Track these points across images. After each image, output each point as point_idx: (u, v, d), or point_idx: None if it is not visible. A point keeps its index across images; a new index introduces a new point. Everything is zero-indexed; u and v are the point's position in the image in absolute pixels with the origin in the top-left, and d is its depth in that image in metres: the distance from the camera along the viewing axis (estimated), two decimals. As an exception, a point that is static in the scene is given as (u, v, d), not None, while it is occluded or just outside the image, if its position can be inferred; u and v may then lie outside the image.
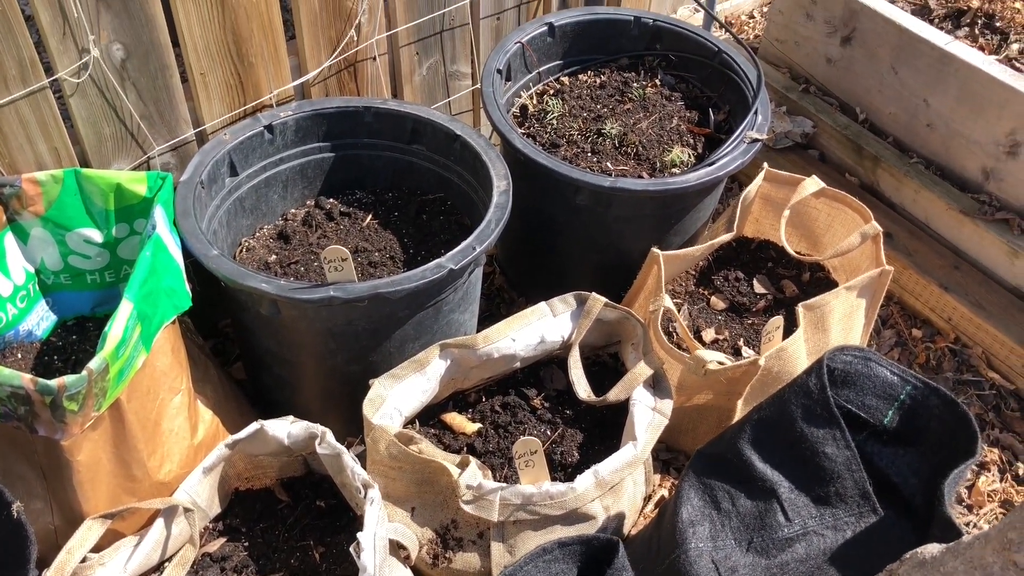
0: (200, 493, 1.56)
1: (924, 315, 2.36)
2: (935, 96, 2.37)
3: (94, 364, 1.34)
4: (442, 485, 1.59)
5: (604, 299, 1.78)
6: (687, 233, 2.17)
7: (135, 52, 1.71)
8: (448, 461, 1.54)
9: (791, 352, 1.83)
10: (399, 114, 2.00)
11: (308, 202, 2.08)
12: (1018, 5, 2.47)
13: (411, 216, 2.04)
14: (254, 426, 1.55)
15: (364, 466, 1.57)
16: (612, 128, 2.16)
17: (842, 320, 1.95)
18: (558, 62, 2.35)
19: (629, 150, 2.14)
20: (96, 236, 1.73)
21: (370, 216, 2.03)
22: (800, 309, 1.85)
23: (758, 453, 1.53)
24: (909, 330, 2.35)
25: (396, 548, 1.53)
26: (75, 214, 1.70)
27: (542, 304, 1.78)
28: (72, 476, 1.45)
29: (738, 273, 2.18)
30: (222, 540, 1.60)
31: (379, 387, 1.62)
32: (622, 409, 1.71)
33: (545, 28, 2.27)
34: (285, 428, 1.56)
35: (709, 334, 2.03)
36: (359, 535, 1.37)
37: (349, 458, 1.50)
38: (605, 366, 1.91)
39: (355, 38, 2.05)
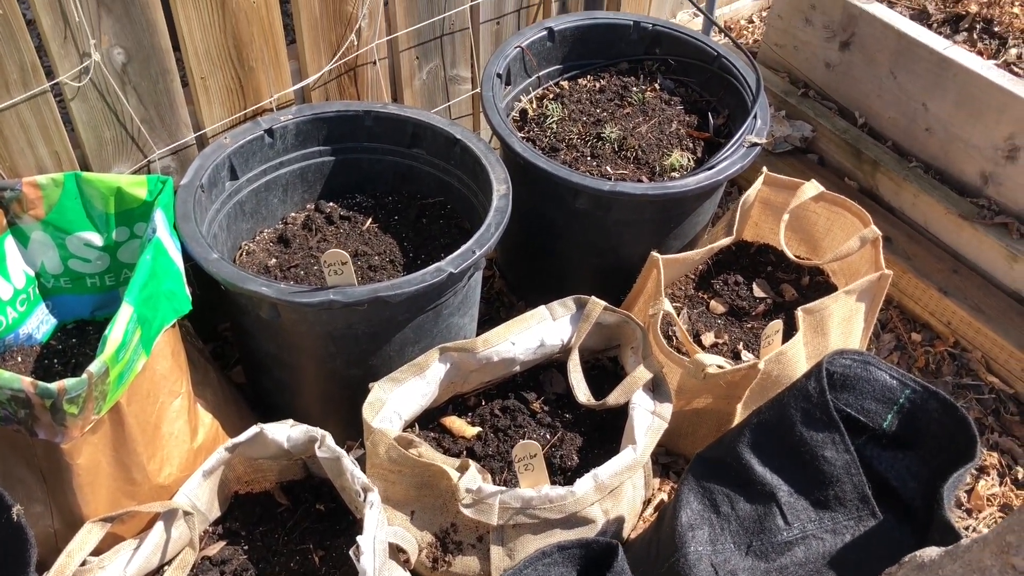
0: (200, 496, 1.56)
1: (923, 319, 2.36)
2: (934, 100, 2.37)
3: (94, 367, 1.34)
4: (442, 489, 1.59)
5: (604, 303, 1.78)
6: (686, 237, 2.17)
7: (136, 56, 1.72)
8: (448, 465, 1.54)
9: (790, 356, 1.83)
10: (399, 118, 2.01)
11: (308, 206, 2.08)
12: (1016, 10, 2.47)
13: (411, 220, 2.04)
14: (254, 429, 1.56)
15: (364, 470, 1.57)
16: (612, 132, 2.17)
17: (841, 324, 1.95)
18: (558, 66, 2.36)
19: (629, 154, 2.14)
20: (96, 240, 1.74)
21: (370, 220, 2.03)
22: (799, 313, 1.85)
23: (757, 457, 1.53)
24: (908, 334, 2.35)
25: (396, 551, 1.53)
26: (75, 218, 1.70)
27: (542, 308, 1.78)
28: (72, 479, 1.45)
29: (737, 277, 2.18)
30: (222, 543, 1.60)
31: (379, 391, 1.62)
32: (622, 413, 1.71)
33: (545, 33, 2.28)
34: (285, 432, 1.57)
35: (708, 338, 2.04)
36: (359, 538, 1.37)
37: (349, 462, 1.50)
38: (605, 370, 1.91)
39: (355, 42, 2.06)
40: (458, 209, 2.06)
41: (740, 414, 1.86)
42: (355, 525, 1.61)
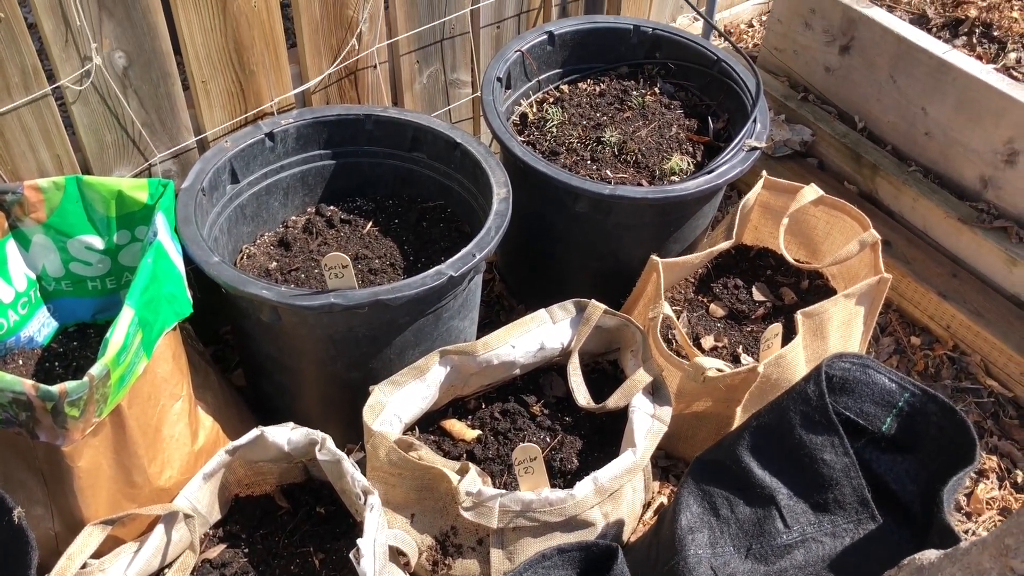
0: (200, 499, 1.56)
1: (923, 323, 2.36)
2: (933, 105, 2.38)
3: (95, 370, 1.34)
4: (442, 492, 1.59)
5: (603, 306, 1.78)
6: (686, 241, 2.17)
7: (137, 60, 1.72)
8: (448, 468, 1.54)
9: (790, 359, 1.83)
10: (399, 122, 2.01)
11: (309, 209, 2.09)
12: (1015, 14, 2.48)
13: (411, 223, 2.04)
14: (254, 432, 1.56)
15: (364, 472, 1.57)
16: (611, 136, 2.17)
17: (841, 327, 1.96)
18: (558, 70, 2.37)
19: (628, 158, 2.14)
20: (97, 243, 1.74)
21: (370, 223, 2.04)
22: (799, 316, 1.86)
23: (757, 460, 1.53)
24: (908, 337, 2.36)
25: (396, 554, 1.54)
26: (77, 221, 1.70)
27: (541, 311, 1.79)
28: (73, 482, 1.45)
29: (737, 280, 2.18)
30: (222, 546, 1.60)
31: (379, 394, 1.62)
32: (621, 416, 1.71)
33: (545, 37, 2.28)
34: (285, 434, 1.57)
35: (708, 341, 2.04)
36: (359, 541, 1.37)
37: (349, 464, 1.50)
38: (604, 373, 1.92)
39: (356, 46, 2.06)
40: (458, 213, 2.07)
41: (739, 417, 1.87)
42: (355, 528, 1.61)
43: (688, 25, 3.04)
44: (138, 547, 1.46)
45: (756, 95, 2.15)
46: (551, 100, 2.33)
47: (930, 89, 2.37)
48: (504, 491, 1.53)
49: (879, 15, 2.47)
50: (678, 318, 2.07)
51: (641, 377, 1.71)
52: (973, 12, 2.50)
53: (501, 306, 2.41)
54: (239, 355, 2.14)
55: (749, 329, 2.09)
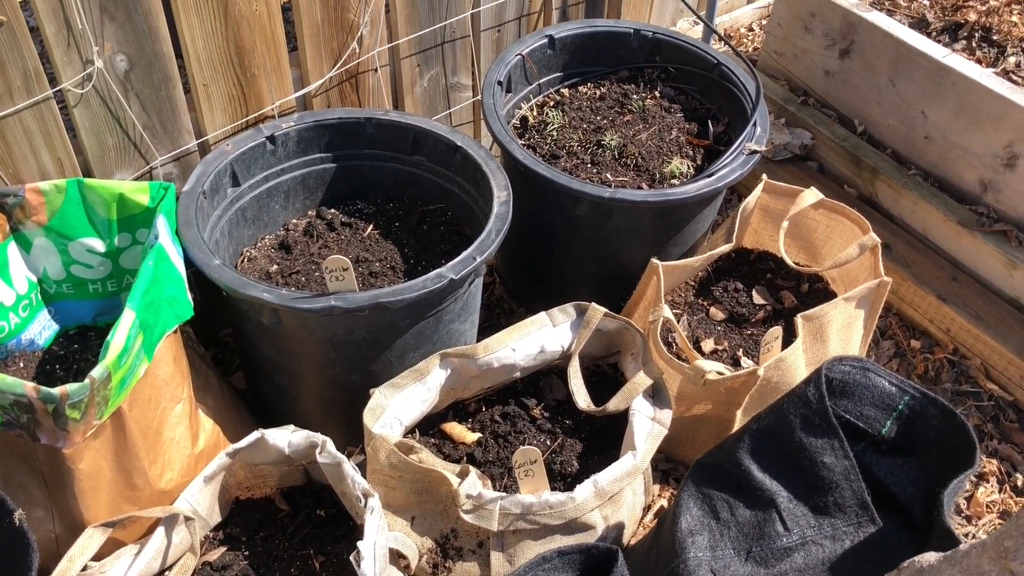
0: (201, 502, 1.56)
1: (923, 326, 2.36)
2: (933, 108, 2.38)
3: (96, 372, 1.34)
4: (442, 494, 1.59)
5: (604, 309, 1.78)
6: (686, 244, 2.18)
7: (138, 63, 1.73)
8: (448, 470, 1.54)
9: (790, 362, 1.84)
10: (400, 125, 2.01)
11: (310, 212, 2.09)
12: (1015, 19, 2.49)
13: (412, 226, 2.05)
14: (255, 435, 1.56)
15: (364, 475, 1.57)
16: (612, 139, 2.17)
17: (841, 331, 1.96)
18: (558, 74, 2.37)
19: (629, 161, 2.15)
20: (98, 246, 1.74)
21: (371, 226, 2.04)
22: (799, 320, 1.86)
23: (757, 463, 1.53)
24: (908, 341, 2.36)
25: (396, 557, 1.54)
26: (78, 224, 1.71)
27: (542, 314, 1.79)
28: (74, 484, 1.45)
29: (737, 284, 2.19)
30: (222, 549, 1.61)
31: (379, 396, 1.63)
32: (621, 419, 1.71)
33: (545, 40, 2.29)
34: (286, 437, 1.57)
35: (708, 344, 2.04)
36: (359, 544, 1.37)
37: (349, 467, 1.50)
38: (605, 376, 1.92)
39: (357, 50, 2.07)
40: (459, 216, 2.07)
41: (740, 420, 1.87)
42: (355, 531, 1.61)
43: (688, 29, 3.05)
44: (139, 549, 1.46)
45: (756, 99, 2.15)
46: (551, 103, 2.33)
47: (930, 93, 2.37)
48: (504, 494, 1.53)
49: (879, 19, 2.48)
50: (678, 321, 2.07)
51: (641, 380, 1.71)
52: (973, 16, 2.51)
53: (501, 309, 2.41)
54: (239, 358, 2.14)
55: (749, 332, 2.09)
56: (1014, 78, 2.31)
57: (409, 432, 1.76)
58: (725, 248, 2.05)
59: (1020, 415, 2.20)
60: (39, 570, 1.34)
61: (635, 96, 2.33)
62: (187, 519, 1.50)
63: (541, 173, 1.93)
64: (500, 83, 2.15)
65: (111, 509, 1.52)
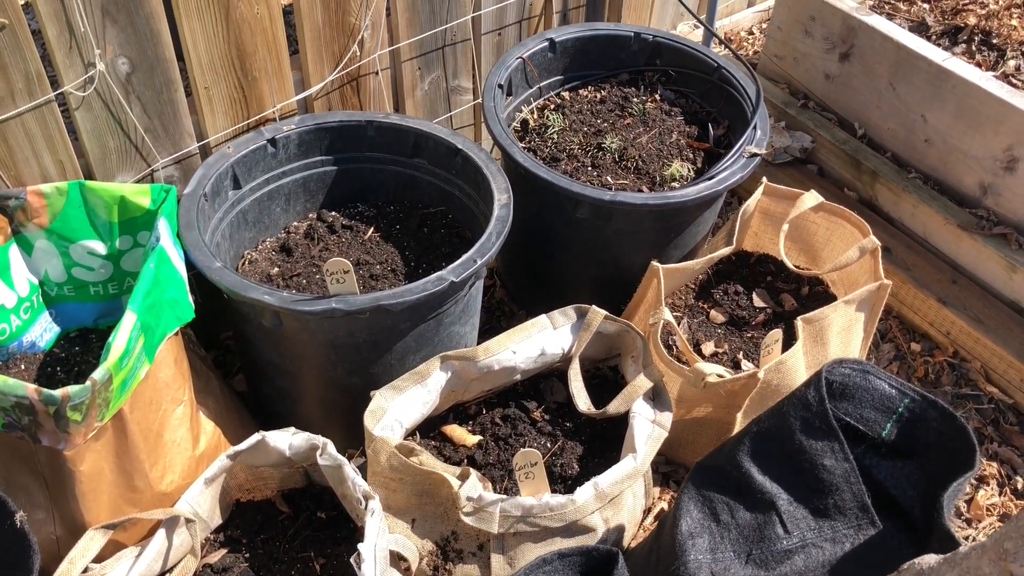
0: (201, 504, 1.56)
1: (923, 329, 2.37)
2: (933, 112, 2.38)
3: (98, 375, 1.34)
4: (442, 497, 1.59)
5: (604, 312, 1.79)
6: (687, 247, 2.18)
7: (140, 66, 1.73)
8: (448, 473, 1.54)
9: (790, 365, 1.84)
10: (401, 128, 2.02)
11: (310, 215, 2.09)
12: (1014, 22, 2.49)
13: (413, 229, 2.05)
14: (256, 437, 1.56)
15: (365, 477, 1.58)
16: (612, 142, 2.18)
17: (841, 334, 1.96)
18: (559, 77, 2.37)
19: (629, 164, 2.15)
20: (100, 248, 1.75)
21: (372, 229, 2.04)
22: (799, 322, 1.86)
23: (757, 465, 1.53)
24: (908, 344, 2.36)
25: (396, 560, 1.54)
26: (79, 226, 1.71)
27: (542, 317, 1.79)
28: (74, 486, 1.45)
29: (737, 287, 2.19)
30: (223, 551, 1.61)
31: (380, 399, 1.63)
32: (622, 422, 1.71)
33: (546, 43, 2.29)
34: (286, 439, 1.57)
35: (708, 347, 2.04)
36: (360, 546, 1.38)
37: (350, 469, 1.51)
38: (605, 379, 1.92)
39: (358, 53, 2.07)
40: (459, 218, 2.07)
41: (740, 423, 1.87)
42: (356, 533, 1.61)
43: (688, 32, 3.05)
44: (139, 551, 1.46)
45: (756, 102, 2.16)
46: (552, 107, 2.33)
47: (930, 96, 2.38)
48: (505, 496, 1.53)
49: (879, 23, 2.48)
50: (679, 324, 2.07)
51: (642, 383, 1.71)
52: (972, 20, 2.51)
53: (502, 312, 2.42)
54: (240, 360, 2.14)
55: (749, 335, 2.09)
56: (1014, 81, 2.32)
57: (410, 434, 1.76)
58: (725, 251, 2.05)
59: (1020, 418, 2.20)
60: (40, 572, 1.34)
61: (635, 99, 2.33)
62: (188, 521, 1.50)
63: (542, 176, 1.93)
64: (501, 86, 2.15)
65: (112, 511, 1.52)
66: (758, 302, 2.16)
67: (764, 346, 1.85)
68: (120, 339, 1.39)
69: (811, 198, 2.07)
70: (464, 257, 1.70)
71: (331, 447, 1.54)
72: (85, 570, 1.40)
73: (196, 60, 1.81)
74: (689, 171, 2.15)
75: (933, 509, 1.44)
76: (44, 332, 1.78)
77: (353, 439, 1.83)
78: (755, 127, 2.10)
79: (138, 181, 1.87)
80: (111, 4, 1.63)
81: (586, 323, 1.79)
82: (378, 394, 1.63)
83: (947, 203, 2.39)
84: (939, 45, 2.46)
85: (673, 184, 2.12)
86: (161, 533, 1.48)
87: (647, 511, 1.92)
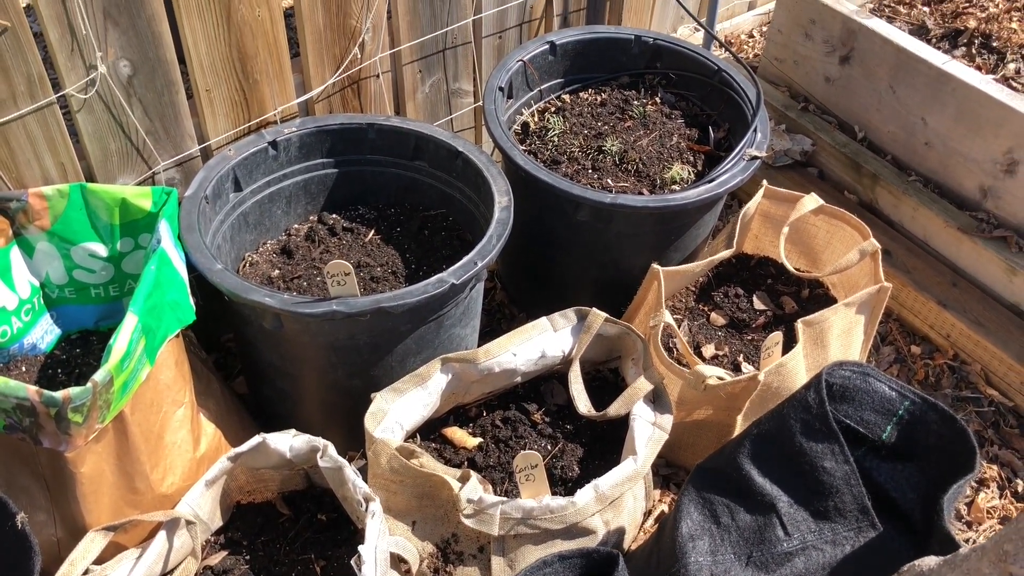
0: (202, 506, 1.56)
1: (923, 332, 2.37)
2: (933, 115, 2.39)
3: (99, 376, 1.35)
4: (443, 499, 1.59)
5: (605, 314, 1.79)
6: (687, 249, 2.18)
7: (141, 68, 1.74)
8: (449, 475, 1.55)
9: (790, 367, 1.84)
10: (402, 131, 2.02)
11: (311, 217, 2.10)
12: (1014, 25, 2.49)
13: (413, 232, 2.05)
14: (256, 439, 1.56)
15: (365, 479, 1.58)
16: (613, 145, 2.18)
17: (841, 336, 1.96)
18: (559, 80, 2.38)
19: (629, 167, 2.15)
20: (101, 250, 1.75)
21: (372, 231, 2.04)
22: (799, 325, 1.86)
23: (757, 468, 1.53)
24: (908, 347, 2.36)
25: (397, 562, 1.54)
26: (80, 228, 1.71)
27: (543, 319, 1.79)
28: (75, 488, 1.45)
29: (738, 289, 2.19)
30: (223, 553, 1.61)
31: (380, 401, 1.63)
32: (622, 424, 1.72)
33: (547, 46, 2.29)
34: (287, 441, 1.57)
35: (709, 350, 2.04)
36: (360, 548, 1.38)
37: (350, 471, 1.51)
38: (605, 381, 1.92)
39: (359, 56, 2.07)
40: (460, 221, 2.08)
41: (740, 425, 1.87)
42: (356, 535, 1.62)
43: (689, 35, 3.06)
44: (140, 553, 1.46)
45: (756, 105, 2.16)
46: (553, 109, 2.34)
47: (930, 99, 2.38)
48: (505, 498, 1.53)
49: (879, 26, 2.49)
50: (679, 326, 2.08)
51: (642, 385, 1.72)
52: (972, 23, 2.52)
53: (502, 314, 2.42)
54: (241, 362, 2.14)
55: (750, 338, 2.09)
56: (1014, 84, 2.32)
57: (410, 437, 1.76)
58: (726, 254, 2.05)
59: (1020, 421, 2.20)
60: (41, 573, 1.34)
61: (636, 102, 2.33)
62: (188, 523, 1.50)
63: (542, 179, 1.93)
64: (501, 89, 2.15)
65: (113, 513, 1.52)
66: (758, 305, 2.16)
67: (764, 348, 1.85)
68: (121, 341, 1.39)
69: (811, 201, 2.07)
70: (465, 259, 1.70)
71: (332, 449, 1.54)
72: (86, 572, 1.40)
73: (197, 62, 1.81)
74: (689, 174, 2.16)
75: (933, 511, 1.44)
76: (45, 334, 1.79)
77: (354, 441, 1.84)
78: (755, 130, 2.11)
79: (139, 183, 1.87)
80: (113, 6, 1.63)
81: (586, 325, 1.79)
82: (379, 396, 1.63)
83: (947, 206, 2.39)
84: (939, 48, 2.46)
85: (673, 187, 2.12)
86: (162, 535, 1.48)
87: (647, 513, 1.92)
